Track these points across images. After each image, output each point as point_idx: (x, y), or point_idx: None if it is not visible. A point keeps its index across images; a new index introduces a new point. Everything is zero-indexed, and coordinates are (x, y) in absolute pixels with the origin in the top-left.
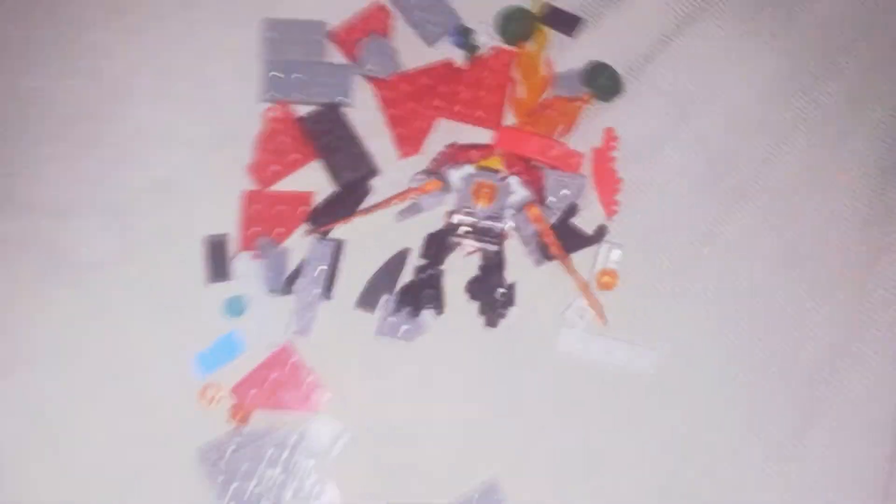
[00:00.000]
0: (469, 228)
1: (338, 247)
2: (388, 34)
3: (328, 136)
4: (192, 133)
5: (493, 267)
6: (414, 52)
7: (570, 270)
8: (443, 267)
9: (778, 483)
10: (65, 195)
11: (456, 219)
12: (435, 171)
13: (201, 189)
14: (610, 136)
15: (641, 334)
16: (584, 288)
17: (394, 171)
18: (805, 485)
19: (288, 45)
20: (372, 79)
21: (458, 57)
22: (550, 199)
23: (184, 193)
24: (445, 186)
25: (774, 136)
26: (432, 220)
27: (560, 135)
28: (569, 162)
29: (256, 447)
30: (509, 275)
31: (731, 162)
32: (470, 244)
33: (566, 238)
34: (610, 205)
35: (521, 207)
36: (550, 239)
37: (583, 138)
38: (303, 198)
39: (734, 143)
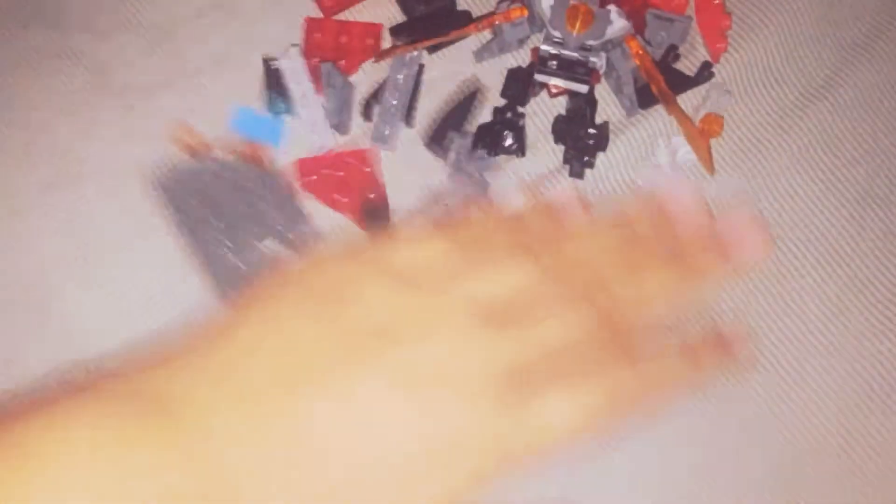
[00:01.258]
0: (557, 62)
1: (420, 70)
2: None
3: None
4: None
5: (582, 108)
6: None
7: (677, 112)
8: (525, 110)
9: None
10: (106, 15)
11: (544, 49)
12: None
13: (259, 12)
14: None
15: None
16: (694, 132)
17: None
18: None
19: None
20: None
21: None
22: (650, 42)
23: (240, 16)
24: (533, 17)
25: None
26: (517, 60)
27: None
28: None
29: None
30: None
31: (855, 7)
32: (557, 83)
33: (669, 81)
34: (717, 47)
35: (618, 42)
36: (654, 73)
37: None
38: (370, 29)
39: None
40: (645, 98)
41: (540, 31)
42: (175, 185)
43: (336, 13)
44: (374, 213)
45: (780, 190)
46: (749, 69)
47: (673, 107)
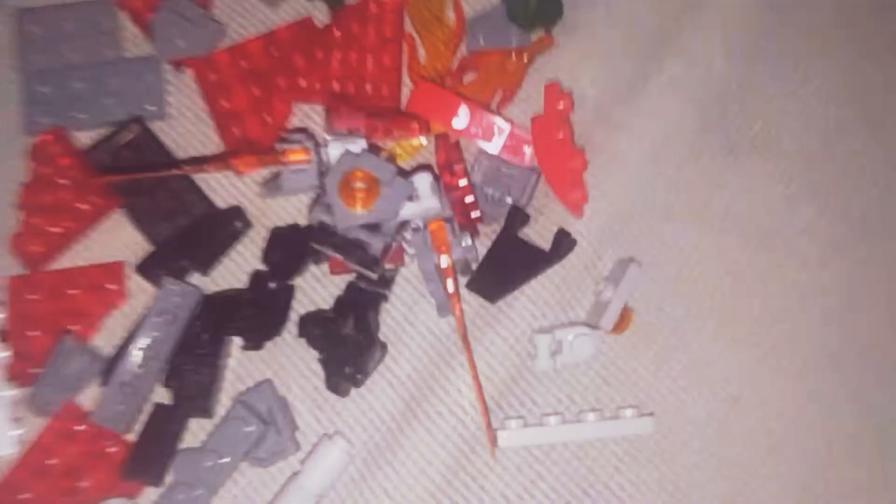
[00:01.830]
0: (334, 237)
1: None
2: None
3: (133, 172)
4: None
5: (356, 303)
6: (247, 16)
7: (464, 344)
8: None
9: None
10: None
11: (314, 217)
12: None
13: None
14: (554, 94)
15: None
16: (477, 384)
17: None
18: None
19: (59, 41)
20: (183, 62)
21: (318, 12)
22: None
23: None
24: (319, 161)
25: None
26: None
27: (500, 105)
28: (512, 146)
29: None
30: (392, 319)
31: (738, 105)
32: (337, 257)
33: (516, 261)
34: (572, 198)
35: (426, 221)
36: (449, 283)
37: (519, 108)
38: (107, 272)
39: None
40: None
41: None
42: None
43: (49, 262)
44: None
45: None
46: (620, 212)
47: (462, 337)
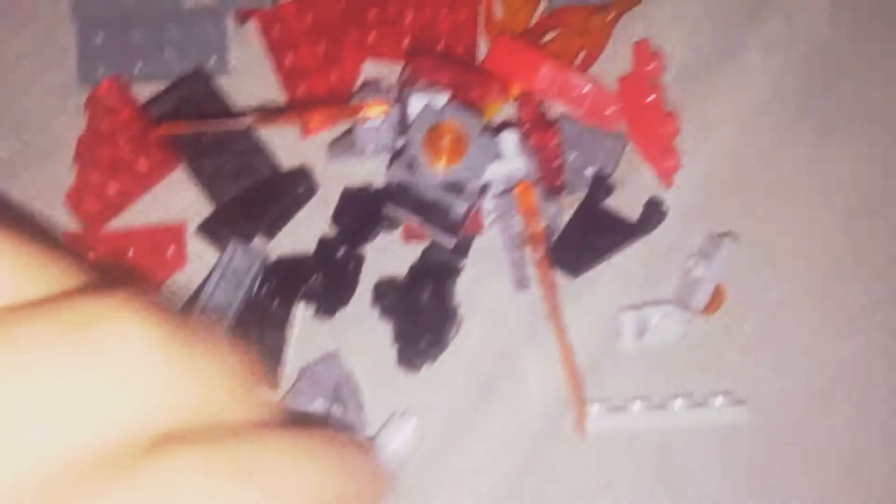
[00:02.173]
0: (413, 198)
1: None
2: None
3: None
4: None
5: (433, 267)
6: None
7: (554, 317)
8: (365, 250)
9: None
10: None
11: (393, 174)
12: (400, 90)
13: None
14: (645, 54)
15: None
16: (568, 360)
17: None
18: None
19: None
20: (249, 14)
21: None
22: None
23: None
24: (400, 115)
25: None
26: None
27: (582, 66)
28: (597, 109)
29: None
30: (464, 292)
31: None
32: (413, 223)
33: (597, 232)
34: (664, 166)
35: (510, 185)
36: (536, 243)
37: (603, 68)
38: (167, 234)
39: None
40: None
41: None
42: None
43: (107, 221)
44: None
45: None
46: (712, 184)
47: (551, 305)
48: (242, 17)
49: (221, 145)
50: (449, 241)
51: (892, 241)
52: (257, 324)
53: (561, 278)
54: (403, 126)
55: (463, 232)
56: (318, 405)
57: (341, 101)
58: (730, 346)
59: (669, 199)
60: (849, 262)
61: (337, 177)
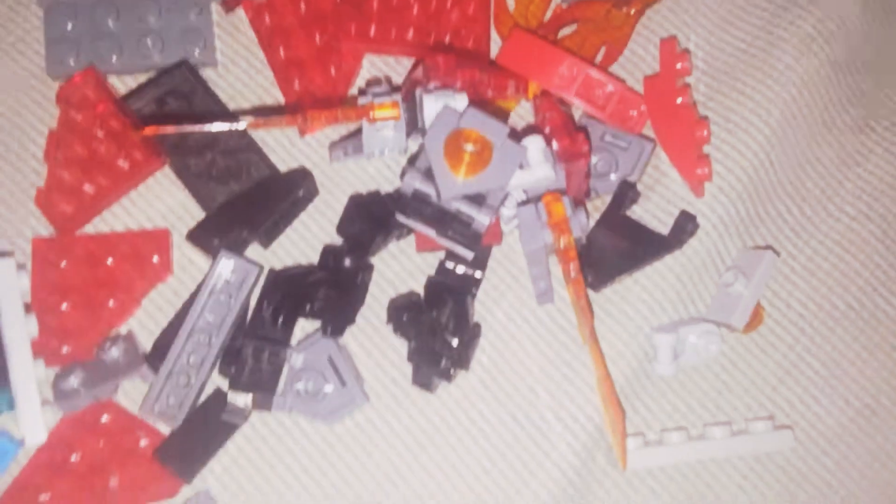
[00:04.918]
0: (429, 207)
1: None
2: None
3: (178, 123)
4: None
5: (451, 281)
6: None
7: (592, 341)
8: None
9: None
10: None
11: (409, 182)
12: (407, 91)
13: None
14: (672, 52)
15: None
16: (609, 389)
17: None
18: None
19: None
20: (238, 2)
21: None
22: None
23: None
24: (411, 118)
25: None
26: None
27: (603, 64)
28: (622, 110)
29: None
30: (481, 310)
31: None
32: (427, 234)
33: (625, 243)
34: (695, 174)
35: (537, 196)
36: (569, 268)
37: (625, 68)
38: (150, 240)
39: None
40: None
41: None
42: None
43: (81, 225)
44: None
45: None
46: (745, 193)
47: (586, 327)
48: (230, 5)
49: (211, 143)
50: (468, 255)
51: None
52: (255, 343)
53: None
54: (412, 128)
55: (483, 241)
56: (318, 384)
57: (341, 97)
58: (763, 365)
59: (701, 208)
60: (889, 273)
61: (339, 179)
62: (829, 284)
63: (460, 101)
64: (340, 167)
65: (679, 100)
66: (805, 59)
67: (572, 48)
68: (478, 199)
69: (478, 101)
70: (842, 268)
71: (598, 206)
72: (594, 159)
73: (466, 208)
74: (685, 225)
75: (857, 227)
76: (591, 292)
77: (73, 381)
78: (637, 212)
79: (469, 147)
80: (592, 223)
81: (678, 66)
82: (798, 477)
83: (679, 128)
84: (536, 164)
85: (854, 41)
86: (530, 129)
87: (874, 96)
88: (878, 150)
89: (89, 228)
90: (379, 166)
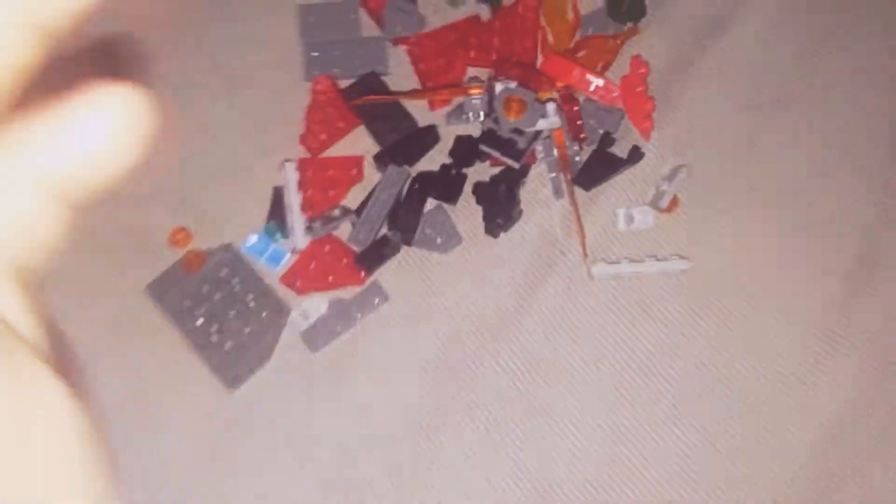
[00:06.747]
0: (496, 139)
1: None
2: None
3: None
4: (240, 116)
5: (506, 178)
6: (439, 12)
7: (574, 209)
8: (468, 171)
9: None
10: None
11: (484, 124)
12: (487, 82)
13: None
14: (637, 64)
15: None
16: (580, 228)
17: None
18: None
19: (324, 26)
20: (400, 40)
21: (483, 12)
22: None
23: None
24: (489, 96)
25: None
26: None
27: (601, 71)
28: (606, 95)
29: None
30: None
31: (769, 73)
32: (494, 154)
33: (604, 165)
34: (644, 127)
35: (549, 133)
36: (565, 168)
37: (613, 73)
38: (353, 161)
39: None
40: (588, 178)
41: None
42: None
43: (321, 152)
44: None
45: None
46: (677, 140)
47: (572, 202)
48: (396, 42)
49: (386, 113)
50: (515, 165)
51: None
52: (406, 205)
53: (581, 192)
54: (490, 101)
55: (524, 160)
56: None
57: (456, 85)
58: (681, 230)
59: (647, 147)
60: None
61: (451, 132)
62: (727, 184)
63: (512, 84)
64: (449, 128)
65: (638, 89)
66: (715, 73)
67: (584, 63)
68: (520, 133)
69: (527, 90)
70: (741, 175)
71: (591, 147)
72: (590, 122)
73: (514, 137)
74: (636, 153)
75: (751, 151)
76: (584, 191)
77: (317, 223)
78: (613, 150)
79: (515, 103)
80: (587, 156)
81: (640, 70)
82: (701, 290)
83: (637, 103)
84: (551, 116)
85: (752, 58)
86: (550, 100)
87: (784, 76)
88: (779, 116)
89: (324, 154)
90: (468, 128)
